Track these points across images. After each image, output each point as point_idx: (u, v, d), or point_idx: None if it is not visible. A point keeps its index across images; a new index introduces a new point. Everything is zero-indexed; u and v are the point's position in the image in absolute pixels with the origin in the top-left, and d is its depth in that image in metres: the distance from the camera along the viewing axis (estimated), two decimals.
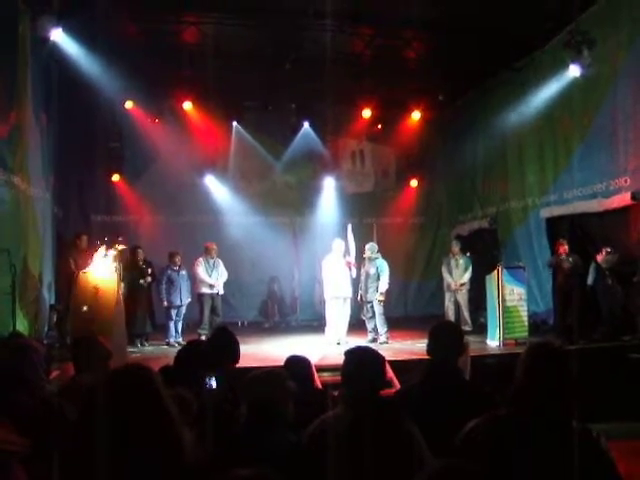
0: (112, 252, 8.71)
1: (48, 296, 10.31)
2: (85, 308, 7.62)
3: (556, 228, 11.16)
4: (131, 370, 1.84)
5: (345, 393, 2.87)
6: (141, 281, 10.37)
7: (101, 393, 1.73)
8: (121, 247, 9.22)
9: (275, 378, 2.92)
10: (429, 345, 3.46)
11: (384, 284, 10.25)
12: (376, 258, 10.35)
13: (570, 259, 9.86)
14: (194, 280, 10.79)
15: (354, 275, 10.31)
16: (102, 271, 8.33)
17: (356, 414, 2.65)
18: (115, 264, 8.61)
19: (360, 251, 10.46)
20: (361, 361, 2.92)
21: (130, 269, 10.20)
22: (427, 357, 3.48)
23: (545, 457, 2.10)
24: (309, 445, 2.72)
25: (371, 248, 10.41)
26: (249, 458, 1.61)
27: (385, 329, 10.22)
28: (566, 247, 9.96)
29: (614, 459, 2.20)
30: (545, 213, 11.43)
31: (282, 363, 4.18)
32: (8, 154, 8.30)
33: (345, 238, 10.47)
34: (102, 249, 8.62)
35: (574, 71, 9.70)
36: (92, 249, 9.02)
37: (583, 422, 2.24)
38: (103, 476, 1.61)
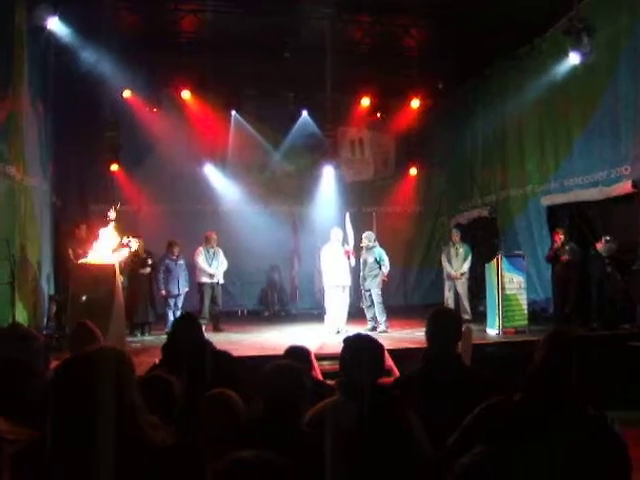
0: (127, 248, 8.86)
1: (47, 286, 10.28)
2: (84, 298, 7.59)
3: (557, 216, 11.14)
4: (91, 353, 1.86)
5: (343, 381, 2.85)
6: (141, 270, 10.38)
7: (61, 377, 1.77)
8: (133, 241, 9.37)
9: (294, 371, 2.85)
10: (427, 332, 3.34)
11: (386, 268, 10.29)
12: (373, 247, 10.33)
13: (567, 247, 9.86)
14: (194, 269, 10.79)
15: (353, 264, 10.29)
16: (101, 260, 8.34)
17: (354, 402, 2.63)
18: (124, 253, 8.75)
19: (358, 240, 10.44)
20: (359, 349, 2.90)
21: (130, 259, 10.21)
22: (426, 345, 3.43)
23: (560, 441, 2.10)
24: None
25: (368, 237, 10.39)
26: (261, 446, 1.60)
27: (384, 318, 10.21)
28: (562, 236, 9.97)
29: (627, 444, 2.20)
30: (546, 201, 11.39)
31: (282, 352, 4.15)
32: (4, 145, 8.23)
33: (343, 227, 10.45)
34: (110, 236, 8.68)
35: (574, 58, 9.64)
36: (91, 238, 9.02)
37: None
38: (61, 458, 1.65)
